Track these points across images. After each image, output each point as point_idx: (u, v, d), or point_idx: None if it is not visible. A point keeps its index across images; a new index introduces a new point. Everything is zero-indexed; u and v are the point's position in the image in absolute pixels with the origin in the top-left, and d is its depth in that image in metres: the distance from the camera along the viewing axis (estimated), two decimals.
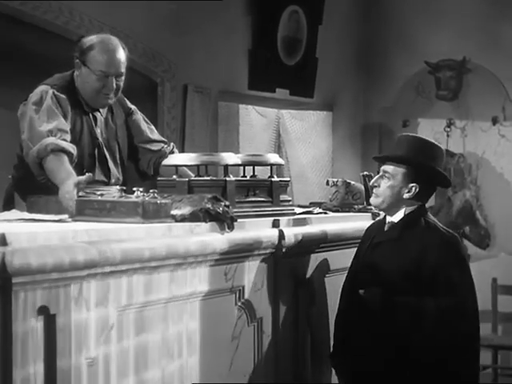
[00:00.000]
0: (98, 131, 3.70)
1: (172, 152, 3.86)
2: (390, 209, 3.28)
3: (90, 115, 3.67)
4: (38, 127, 3.42)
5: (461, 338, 3.15)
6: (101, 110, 3.70)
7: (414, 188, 3.24)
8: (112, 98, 3.62)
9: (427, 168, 3.26)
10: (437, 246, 3.19)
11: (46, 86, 3.53)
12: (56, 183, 3.30)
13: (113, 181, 3.70)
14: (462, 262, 3.25)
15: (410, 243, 3.22)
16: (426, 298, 3.14)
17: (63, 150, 3.38)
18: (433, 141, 3.37)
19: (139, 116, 3.88)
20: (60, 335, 2.25)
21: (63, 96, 3.52)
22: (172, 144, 3.94)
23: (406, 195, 3.24)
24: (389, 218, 3.31)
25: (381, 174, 3.28)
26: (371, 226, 3.49)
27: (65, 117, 3.51)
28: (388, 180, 3.25)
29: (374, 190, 3.29)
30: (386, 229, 3.32)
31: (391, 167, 3.25)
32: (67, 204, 3.07)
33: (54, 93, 3.50)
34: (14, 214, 2.87)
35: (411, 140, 3.32)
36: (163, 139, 3.94)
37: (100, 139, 3.69)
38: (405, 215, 3.27)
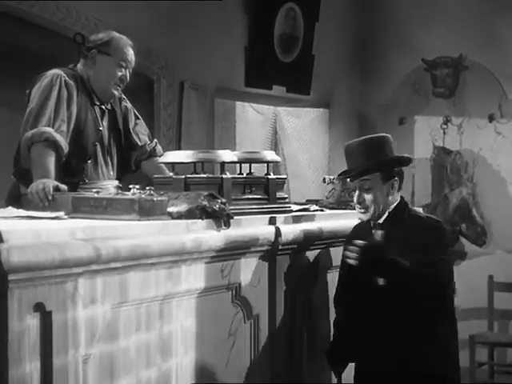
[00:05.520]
0: (104, 123, 3.81)
1: (154, 149, 3.95)
2: (383, 214, 3.29)
3: (97, 107, 3.78)
4: (40, 112, 3.52)
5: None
6: (108, 107, 3.83)
7: (395, 183, 3.29)
8: (119, 90, 3.79)
9: (394, 160, 3.32)
10: (421, 231, 3.22)
11: (57, 70, 3.66)
12: (33, 173, 3.41)
13: (112, 173, 3.78)
14: (443, 242, 3.28)
15: (398, 239, 3.23)
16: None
17: (56, 144, 3.47)
18: (377, 134, 3.41)
19: (131, 117, 3.96)
20: (56, 332, 2.25)
21: (72, 83, 3.66)
22: (155, 141, 4.05)
23: (392, 192, 3.28)
24: (373, 221, 3.32)
25: (358, 188, 3.28)
26: (357, 227, 3.47)
27: (70, 102, 3.62)
28: (370, 190, 3.26)
29: (359, 205, 3.28)
30: (373, 232, 3.32)
31: (367, 177, 3.26)
32: (33, 199, 3.15)
33: (64, 77, 3.63)
34: (10, 211, 2.87)
35: (364, 143, 3.33)
36: (147, 135, 4.02)
37: (103, 131, 3.79)
38: (388, 213, 3.29)
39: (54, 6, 4.99)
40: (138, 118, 4.00)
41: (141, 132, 3.97)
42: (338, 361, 3.42)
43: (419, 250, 3.13)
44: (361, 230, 3.39)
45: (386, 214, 3.29)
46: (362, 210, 3.29)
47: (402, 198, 3.35)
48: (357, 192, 3.29)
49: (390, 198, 3.29)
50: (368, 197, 3.26)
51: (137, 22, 5.33)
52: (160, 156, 3.79)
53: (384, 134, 3.41)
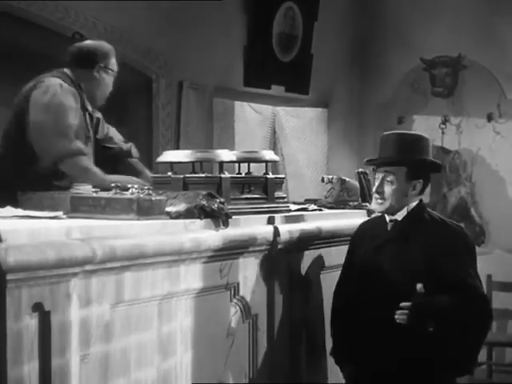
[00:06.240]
0: (92, 129, 3.89)
1: (129, 151, 4.00)
2: (398, 211, 3.28)
3: (88, 114, 3.85)
4: (65, 121, 3.60)
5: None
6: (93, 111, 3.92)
7: (419, 184, 3.25)
8: None
9: (425, 162, 3.28)
10: (447, 239, 3.20)
11: (59, 80, 3.69)
12: (94, 177, 3.55)
13: None
14: (472, 253, 3.26)
15: (418, 240, 3.21)
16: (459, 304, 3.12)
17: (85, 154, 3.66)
18: (417, 132, 3.38)
19: (104, 124, 4.06)
20: (54, 332, 2.25)
21: (76, 93, 3.72)
22: (130, 144, 4.12)
23: (412, 193, 3.24)
24: (389, 217, 3.30)
25: (381, 178, 3.24)
26: (365, 224, 3.47)
27: (76, 112, 3.70)
28: (392, 184, 3.23)
29: (378, 196, 3.25)
30: (389, 228, 3.31)
31: (392, 170, 3.23)
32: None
33: (70, 88, 3.68)
34: (9, 210, 2.87)
35: (401, 138, 3.30)
36: (121, 139, 4.12)
37: (91, 137, 3.87)
38: (408, 212, 3.26)
39: (53, 6, 4.99)
40: (109, 126, 4.09)
41: (114, 135, 4.06)
42: (344, 360, 3.41)
43: (442, 257, 3.13)
44: (373, 227, 3.38)
45: (406, 212, 3.27)
46: (380, 201, 3.25)
47: (421, 200, 3.31)
48: (378, 182, 3.25)
49: (412, 193, 3.24)
50: (388, 189, 3.23)
51: (136, 22, 5.34)
52: (135, 158, 3.89)
53: (424, 135, 3.36)
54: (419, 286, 3.07)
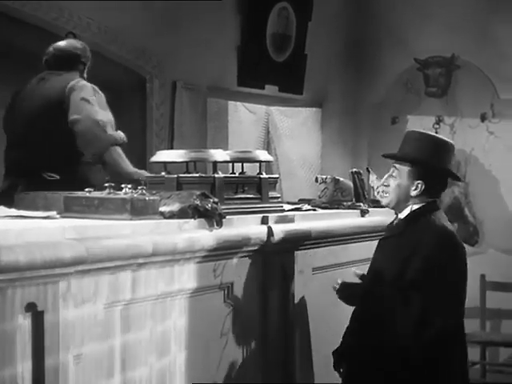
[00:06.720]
0: None
1: None
2: (400, 207, 3.28)
3: None
4: (112, 120, 3.83)
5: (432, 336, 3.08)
6: None
7: (419, 185, 3.22)
8: None
9: (430, 166, 3.25)
10: (427, 241, 3.14)
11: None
12: (125, 167, 3.78)
13: None
14: (451, 259, 3.15)
15: (408, 240, 3.20)
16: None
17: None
18: (440, 136, 3.36)
19: None
20: (48, 332, 2.25)
21: None
22: None
23: (413, 193, 3.24)
24: (399, 215, 3.33)
25: (390, 173, 3.28)
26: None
27: None
28: (395, 179, 3.25)
29: (383, 189, 3.29)
30: (393, 225, 3.33)
31: (397, 166, 3.25)
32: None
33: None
34: (1, 210, 2.86)
35: (417, 137, 3.31)
36: None
37: None
38: (410, 212, 3.27)
39: (47, 6, 4.98)
40: None
41: None
42: (340, 360, 3.40)
43: (412, 256, 3.09)
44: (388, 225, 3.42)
45: (408, 211, 3.26)
46: (384, 194, 3.30)
47: (434, 201, 3.28)
48: (386, 175, 3.29)
49: (412, 193, 3.22)
50: (392, 183, 3.26)
51: (130, 22, 5.33)
52: None
53: (444, 139, 3.33)
54: (353, 269, 3.25)
